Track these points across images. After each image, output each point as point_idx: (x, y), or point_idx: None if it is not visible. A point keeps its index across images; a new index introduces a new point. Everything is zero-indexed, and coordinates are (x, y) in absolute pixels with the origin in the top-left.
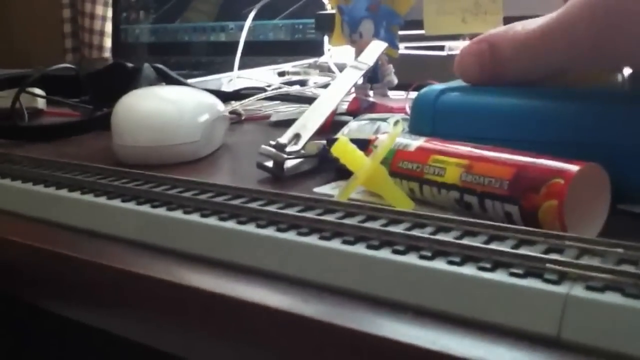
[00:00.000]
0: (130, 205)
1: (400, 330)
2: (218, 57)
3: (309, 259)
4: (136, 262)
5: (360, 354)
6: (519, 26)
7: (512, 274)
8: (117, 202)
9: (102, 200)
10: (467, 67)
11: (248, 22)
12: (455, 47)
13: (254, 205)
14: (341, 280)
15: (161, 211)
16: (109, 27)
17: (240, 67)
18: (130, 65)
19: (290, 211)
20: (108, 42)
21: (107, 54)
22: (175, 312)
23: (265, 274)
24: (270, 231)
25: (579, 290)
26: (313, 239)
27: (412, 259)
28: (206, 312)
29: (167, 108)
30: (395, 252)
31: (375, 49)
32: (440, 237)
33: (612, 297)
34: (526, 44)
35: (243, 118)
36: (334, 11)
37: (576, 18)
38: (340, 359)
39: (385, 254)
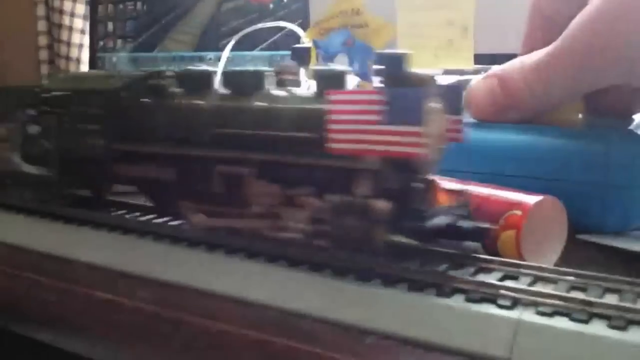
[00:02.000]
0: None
1: (362, 352)
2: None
3: (270, 285)
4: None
5: None
6: (522, 59)
7: (468, 300)
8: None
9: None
10: (479, 103)
11: (226, 53)
12: None
13: None
14: (305, 305)
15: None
16: (86, 55)
17: None
18: None
19: None
20: (85, 70)
21: None
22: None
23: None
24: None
25: (529, 315)
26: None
27: (375, 285)
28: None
29: None
30: (359, 278)
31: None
32: (403, 264)
33: (560, 322)
34: (538, 70)
35: None
36: (310, 45)
37: (584, 38)
38: None
39: (350, 281)
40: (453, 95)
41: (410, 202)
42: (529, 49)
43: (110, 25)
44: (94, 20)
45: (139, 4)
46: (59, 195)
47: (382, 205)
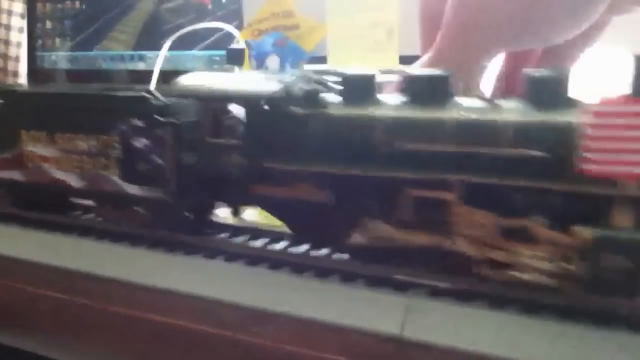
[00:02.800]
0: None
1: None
2: (136, 86)
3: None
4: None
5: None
6: (422, 58)
7: (367, 283)
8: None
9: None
10: None
11: (163, 52)
12: None
13: None
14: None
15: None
16: (24, 54)
17: None
18: None
19: None
20: (24, 69)
21: (23, 80)
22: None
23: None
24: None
25: (420, 296)
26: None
27: (285, 273)
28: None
29: None
30: (272, 267)
31: None
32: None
33: (446, 301)
34: (431, 63)
35: None
36: (244, 45)
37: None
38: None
39: (263, 269)
40: None
41: None
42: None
43: (48, 24)
44: (32, 18)
45: (77, 3)
46: (174, 220)
47: None
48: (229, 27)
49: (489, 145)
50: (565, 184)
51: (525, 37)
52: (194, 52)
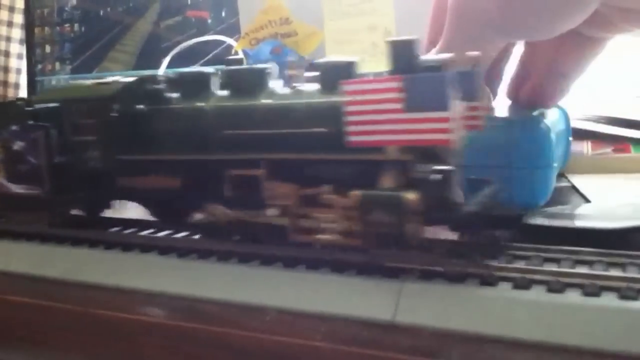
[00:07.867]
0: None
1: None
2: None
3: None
4: None
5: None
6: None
7: (359, 272)
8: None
9: None
10: None
11: (162, 70)
12: None
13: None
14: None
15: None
16: (24, 80)
17: None
18: None
19: None
20: (23, 95)
21: None
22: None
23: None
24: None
25: (411, 281)
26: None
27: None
28: None
29: None
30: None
31: None
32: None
33: (440, 284)
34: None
35: None
36: (241, 55)
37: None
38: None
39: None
40: (468, 82)
41: (439, 192)
42: (430, 42)
43: (47, 49)
44: (31, 44)
45: (76, 26)
46: (51, 215)
47: (411, 197)
48: (225, 39)
49: (285, 126)
50: (342, 154)
51: (511, 28)
52: (194, 68)
